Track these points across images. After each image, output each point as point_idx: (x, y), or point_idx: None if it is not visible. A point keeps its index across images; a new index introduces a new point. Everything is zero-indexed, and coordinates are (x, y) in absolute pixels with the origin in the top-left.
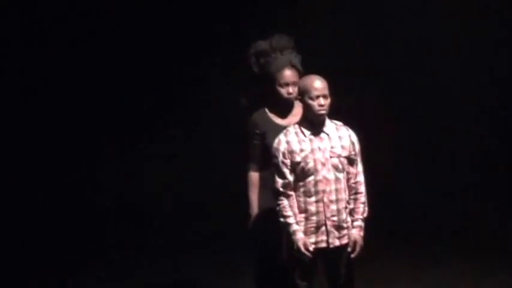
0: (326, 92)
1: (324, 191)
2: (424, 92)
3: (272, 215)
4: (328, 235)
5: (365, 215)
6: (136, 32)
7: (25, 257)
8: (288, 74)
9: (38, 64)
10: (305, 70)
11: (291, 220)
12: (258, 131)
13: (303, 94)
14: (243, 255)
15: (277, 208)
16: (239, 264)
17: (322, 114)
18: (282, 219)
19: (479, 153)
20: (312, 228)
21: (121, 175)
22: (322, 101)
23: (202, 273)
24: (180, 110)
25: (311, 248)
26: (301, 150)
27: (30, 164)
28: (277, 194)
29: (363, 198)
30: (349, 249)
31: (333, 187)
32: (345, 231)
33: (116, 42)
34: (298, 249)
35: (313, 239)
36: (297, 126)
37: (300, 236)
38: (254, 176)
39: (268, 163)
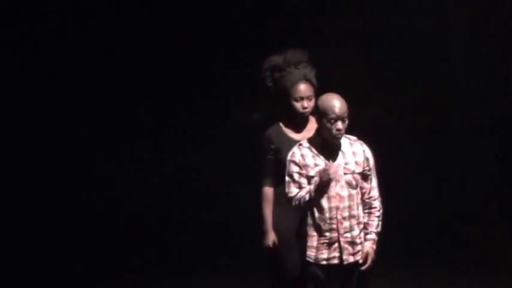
0: (345, 115)
1: (337, 208)
2: (440, 103)
3: (286, 232)
4: (341, 252)
5: (379, 229)
6: (155, 46)
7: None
8: (303, 88)
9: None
10: (320, 84)
11: (306, 190)
12: (272, 146)
13: (321, 115)
14: (258, 273)
15: (295, 202)
16: (254, 282)
17: (338, 138)
18: (301, 201)
19: (498, 166)
20: (325, 244)
21: (134, 190)
22: (340, 124)
23: None
24: (193, 125)
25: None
26: (315, 165)
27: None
28: (291, 200)
29: (377, 212)
30: (360, 261)
31: (346, 203)
32: (359, 247)
33: (138, 58)
34: (327, 174)
35: (325, 255)
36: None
37: (317, 180)
38: (268, 191)
39: (283, 178)
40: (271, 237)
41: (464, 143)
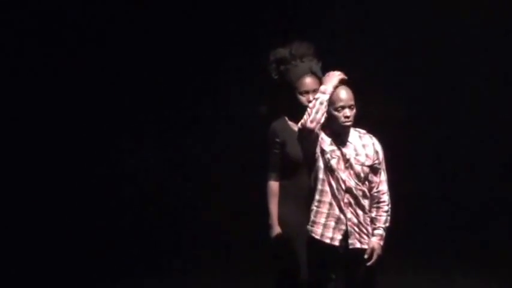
0: (352, 102)
1: (344, 191)
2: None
3: (291, 225)
4: (347, 236)
5: (387, 224)
6: (157, 39)
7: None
8: (308, 81)
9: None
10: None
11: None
12: (277, 140)
13: (328, 104)
14: (263, 268)
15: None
16: (259, 277)
17: (347, 126)
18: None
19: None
20: (332, 223)
21: (138, 187)
22: (347, 112)
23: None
24: (198, 118)
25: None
26: (331, 144)
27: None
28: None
29: (385, 207)
30: (365, 257)
31: (353, 192)
32: (366, 237)
33: (141, 50)
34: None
35: (330, 234)
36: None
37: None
38: (274, 185)
39: (288, 172)
40: (276, 231)
41: (473, 137)
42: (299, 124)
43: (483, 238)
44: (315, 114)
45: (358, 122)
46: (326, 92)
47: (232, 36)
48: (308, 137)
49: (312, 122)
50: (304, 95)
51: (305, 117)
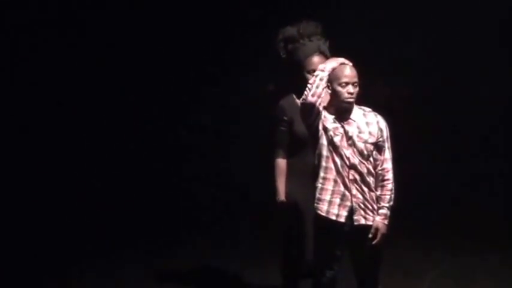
0: (356, 80)
1: (348, 167)
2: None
3: (299, 202)
4: (352, 213)
5: (391, 203)
6: (168, 18)
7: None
8: (316, 60)
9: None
10: (333, 56)
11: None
12: (285, 118)
13: (332, 80)
14: (269, 245)
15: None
16: (265, 254)
17: (350, 103)
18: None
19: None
20: (337, 200)
21: (147, 167)
22: (351, 89)
23: (227, 263)
24: (207, 97)
25: None
26: (334, 121)
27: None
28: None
29: (390, 185)
30: (370, 236)
31: (358, 169)
32: (371, 214)
33: (152, 30)
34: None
35: (335, 210)
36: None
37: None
38: (281, 162)
39: (295, 150)
40: (284, 208)
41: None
42: (301, 99)
43: (486, 214)
44: (316, 88)
45: (363, 101)
46: (325, 70)
47: (241, 15)
48: (310, 112)
49: (313, 96)
50: (312, 73)
51: (306, 92)
